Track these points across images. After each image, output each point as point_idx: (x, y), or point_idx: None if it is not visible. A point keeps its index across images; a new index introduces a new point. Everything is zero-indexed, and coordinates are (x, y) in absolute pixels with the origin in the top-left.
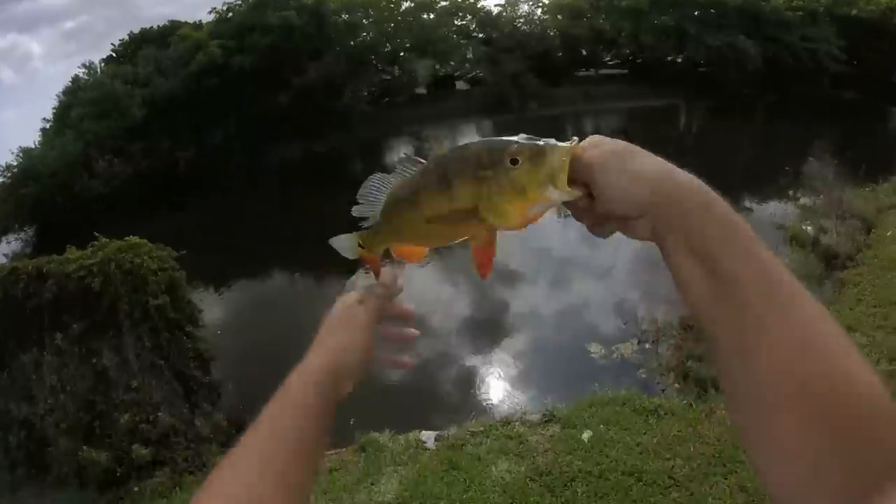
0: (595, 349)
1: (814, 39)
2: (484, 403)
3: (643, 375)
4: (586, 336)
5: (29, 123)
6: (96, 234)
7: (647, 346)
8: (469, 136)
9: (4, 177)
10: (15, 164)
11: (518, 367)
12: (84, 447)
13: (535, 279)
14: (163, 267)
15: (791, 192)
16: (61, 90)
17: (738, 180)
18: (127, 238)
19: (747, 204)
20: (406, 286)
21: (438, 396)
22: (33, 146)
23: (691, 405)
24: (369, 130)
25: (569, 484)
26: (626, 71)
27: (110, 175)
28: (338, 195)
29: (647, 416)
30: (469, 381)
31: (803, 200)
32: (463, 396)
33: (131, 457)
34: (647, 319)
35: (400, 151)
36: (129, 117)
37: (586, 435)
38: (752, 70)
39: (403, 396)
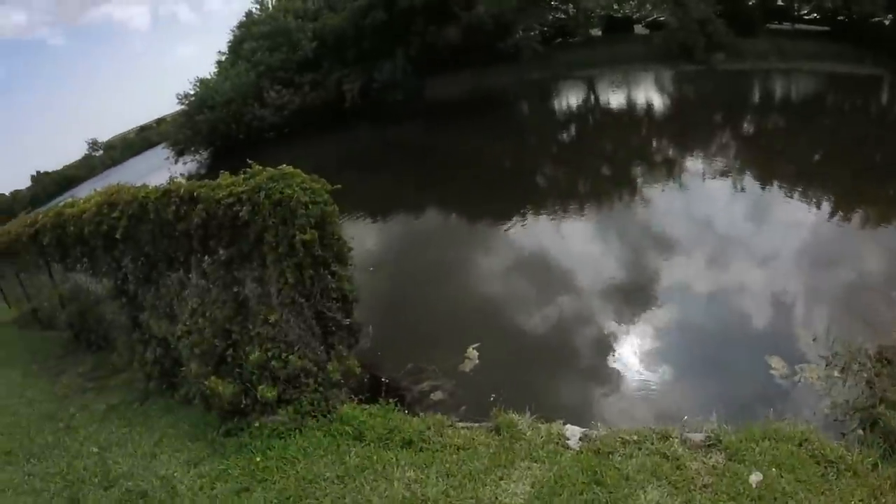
0: (776, 365)
1: None
2: (638, 392)
3: (826, 410)
4: (765, 345)
5: (204, 58)
6: (249, 162)
7: (835, 373)
8: (646, 85)
9: (183, 104)
10: (192, 92)
11: (682, 361)
12: (213, 377)
13: (707, 263)
14: (314, 200)
15: None
16: (235, 25)
17: None
18: (280, 167)
19: None
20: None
21: (584, 368)
22: (209, 77)
23: (877, 465)
24: (539, 70)
25: None
26: (826, 28)
27: (280, 105)
28: (502, 133)
29: (826, 467)
30: (617, 357)
31: None
32: (611, 373)
33: (256, 394)
34: (839, 339)
35: (568, 94)
36: (300, 50)
37: (755, 478)
38: None
39: (548, 362)
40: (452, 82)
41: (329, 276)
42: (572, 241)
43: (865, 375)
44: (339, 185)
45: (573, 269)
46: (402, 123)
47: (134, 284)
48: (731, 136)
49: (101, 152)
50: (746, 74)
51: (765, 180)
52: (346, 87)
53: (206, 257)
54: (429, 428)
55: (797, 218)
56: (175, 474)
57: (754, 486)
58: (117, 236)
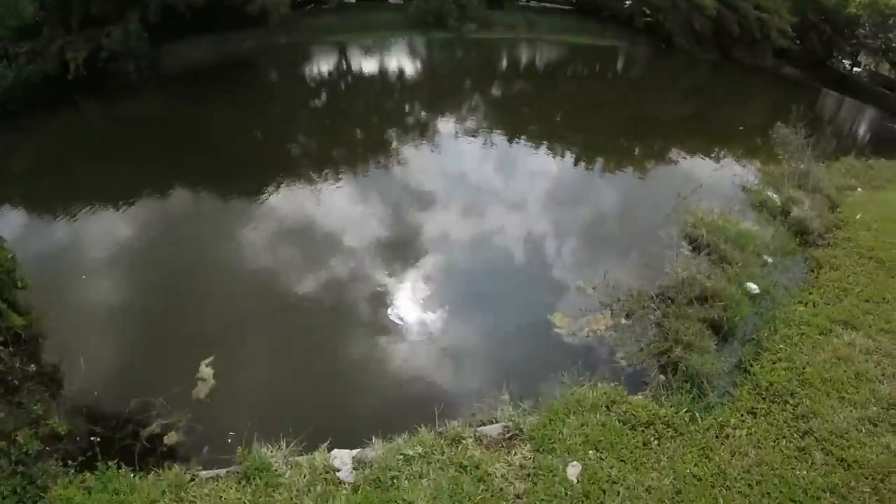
0: (560, 322)
1: (767, 10)
2: (417, 379)
3: (623, 362)
4: (545, 303)
5: None
6: None
7: (622, 320)
8: (399, 51)
9: None
10: None
11: (462, 336)
12: None
13: (465, 218)
14: None
15: (747, 155)
16: None
17: (682, 132)
18: None
19: (709, 160)
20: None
21: (351, 360)
22: None
23: (695, 417)
24: (288, 35)
25: None
26: (570, 7)
27: None
28: (250, 103)
29: (644, 431)
30: (387, 342)
31: (770, 166)
32: (380, 363)
33: None
34: (618, 284)
35: (320, 60)
36: (21, 14)
37: (573, 470)
38: (699, 27)
39: (306, 362)
40: (194, 49)
41: None
42: (330, 207)
43: (653, 318)
44: None
45: (332, 239)
46: (138, 97)
47: None
48: (481, 99)
49: None
50: (496, 43)
51: (512, 137)
52: (69, 56)
53: None
54: (164, 492)
55: (548, 170)
56: None
57: (575, 480)
58: None
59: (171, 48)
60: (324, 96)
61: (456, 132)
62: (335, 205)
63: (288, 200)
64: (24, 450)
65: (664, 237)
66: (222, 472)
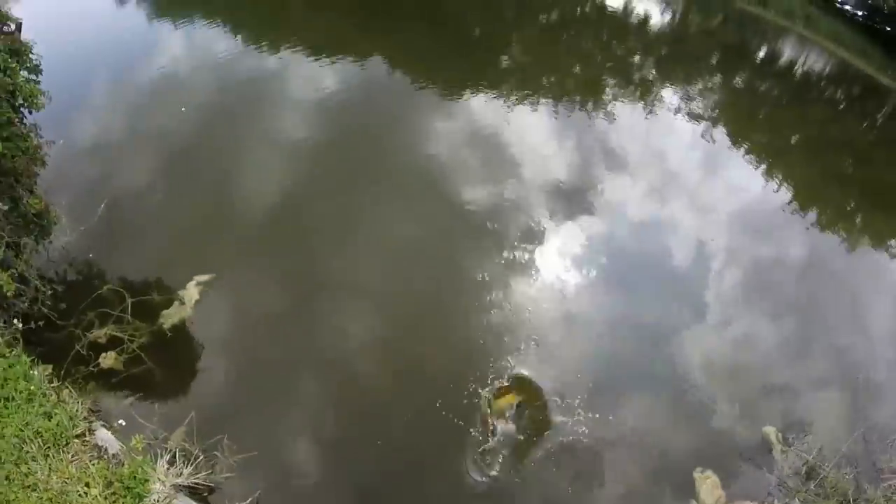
0: (706, 494)
1: None
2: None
3: None
4: (705, 442)
5: None
6: None
7: None
8: None
9: None
10: None
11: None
12: None
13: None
14: None
15: None
16: None
17: None
18: None
19: None
20: None
21: None
22: None
23: None
24: None
25: None
26: (860, 20)
27: None
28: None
29: None
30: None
31: None
32: None
33: None
34: (824, 459)
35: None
36: None
37: None
38: None
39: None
40: None
41: None
42: (517, 129)
43: None
44: None
45: (506, 159)
46: None
47: None
48: (721, 81)
49: None
50: (763, 24)
51: (735, 141)
52: None
53: None
54: (38, 433)
55: (758, 196)
56: None
57: None
58: None
59: None
60: (555, 15)
61: (678, 108)
62: (523, 129)
63: (480, 106)
64: None
65: None
66: (116, 446)
